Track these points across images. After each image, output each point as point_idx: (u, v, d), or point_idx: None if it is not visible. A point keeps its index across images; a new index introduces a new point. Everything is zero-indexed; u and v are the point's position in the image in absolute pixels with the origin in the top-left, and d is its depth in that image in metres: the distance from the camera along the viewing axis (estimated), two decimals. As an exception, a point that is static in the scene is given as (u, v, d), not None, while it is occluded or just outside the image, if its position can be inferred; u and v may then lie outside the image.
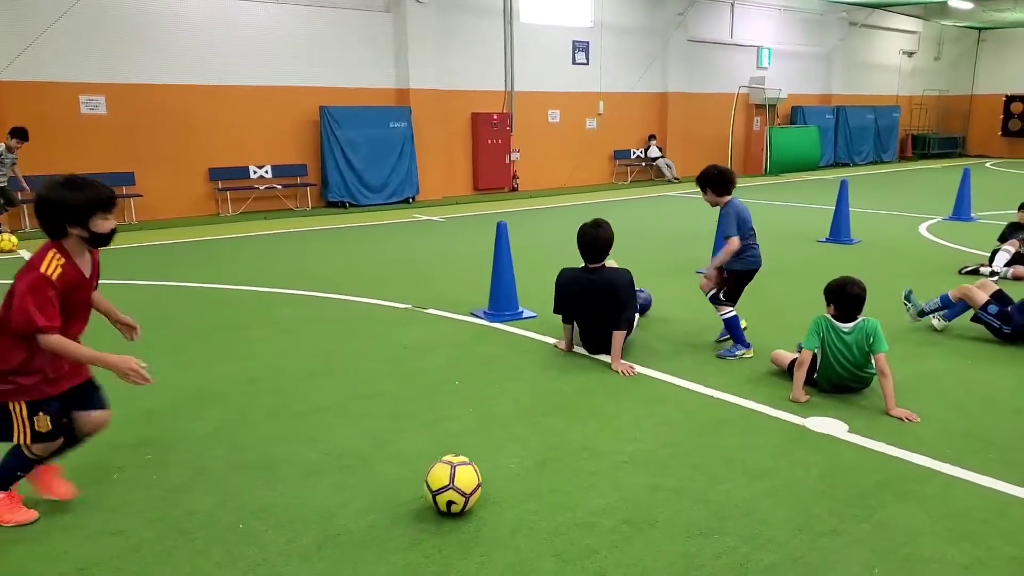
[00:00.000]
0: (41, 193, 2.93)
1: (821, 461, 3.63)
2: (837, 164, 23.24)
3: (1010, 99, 27.00)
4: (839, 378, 4.42)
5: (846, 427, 4.01)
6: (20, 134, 10.20)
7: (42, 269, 2.86)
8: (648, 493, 3.34)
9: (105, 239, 2.99)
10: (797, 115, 22.33)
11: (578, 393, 4.57)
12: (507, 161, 16.60)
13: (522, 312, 6.17)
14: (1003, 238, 7.83)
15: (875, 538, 2.96)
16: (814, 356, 4.46)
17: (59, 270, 2.88)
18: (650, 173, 19.37)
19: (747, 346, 5.18)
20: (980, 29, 27.75)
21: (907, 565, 2.78)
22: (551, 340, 5.53)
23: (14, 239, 9.79)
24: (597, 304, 5.01)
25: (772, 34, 21.75)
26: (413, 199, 14.99)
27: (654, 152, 19.18)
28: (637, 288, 5.26)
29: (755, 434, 3.96)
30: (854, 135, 23.58)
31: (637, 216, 12.57)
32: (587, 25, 17.69)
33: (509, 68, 16.51)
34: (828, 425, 4.04)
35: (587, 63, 17.87)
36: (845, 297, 4.37)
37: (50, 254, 2.90)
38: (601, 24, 17.87)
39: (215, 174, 13.12)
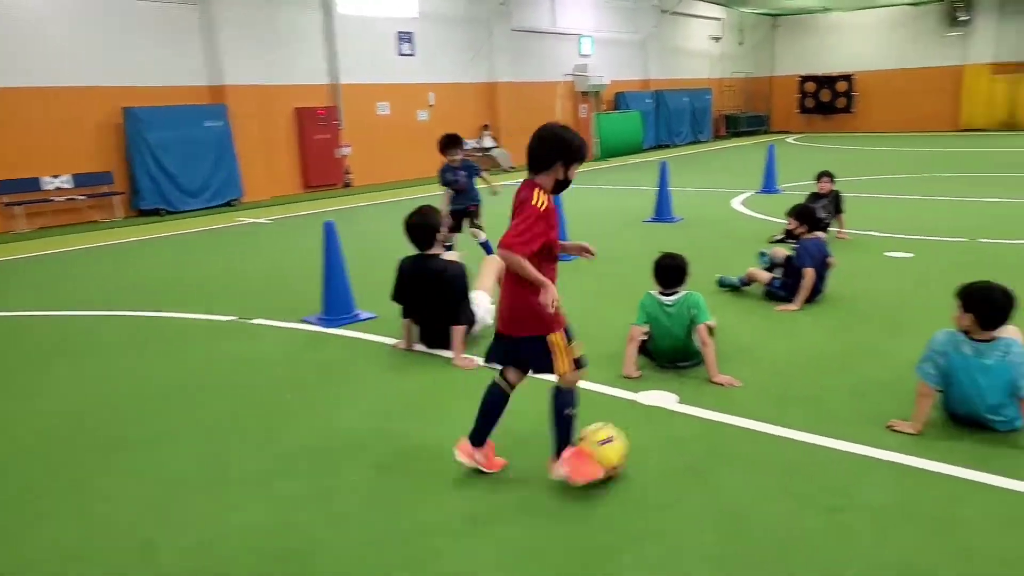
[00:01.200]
0: (548, 127, 3.14)
1: (654, 434, 3.75)
2: (659, 146, 24.53)
3: (804, 79, 29.68)
4: (670, 352, 4.60)
5: (676, 398, 4.18)
6: None
7: (533, 202, 3.02)
8: (492, 488, 3.30)
9: (566, 186, 3.18)
10: (620, 101, 23.31)
11: (422, 393, 4.47)
12: (337, 156, 16.10)
13: (359, 314, 5.96)
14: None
15: (708, 504, 3.08)
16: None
17: (546, 204, 3.06)
18: (486, 163, 19.50)
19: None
20: (775, 16, 30.24)
21: (737, 525, 2.91)
22: (391, 341, 5.38)
23: None
24: (430, 294, 4.97)
25: (592, 22, 22.53)
26: (237, 201, 14.18)
27: (488, 142, 19.34)
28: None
29: (592, 414, 4.02)
30: (673, 117, 24.97)
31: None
32: (411, 15, 17.47)
33: (332, 61, 15.99)
34: (659, 398, 4.19)
35: (413, 54, 17.68)
36: (659, 269, 4.60)
37: (536, 191, 3.06)
38: (425, 14, 17.72)
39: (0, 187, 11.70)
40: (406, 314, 5.13)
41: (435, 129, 18.28)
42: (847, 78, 28.72)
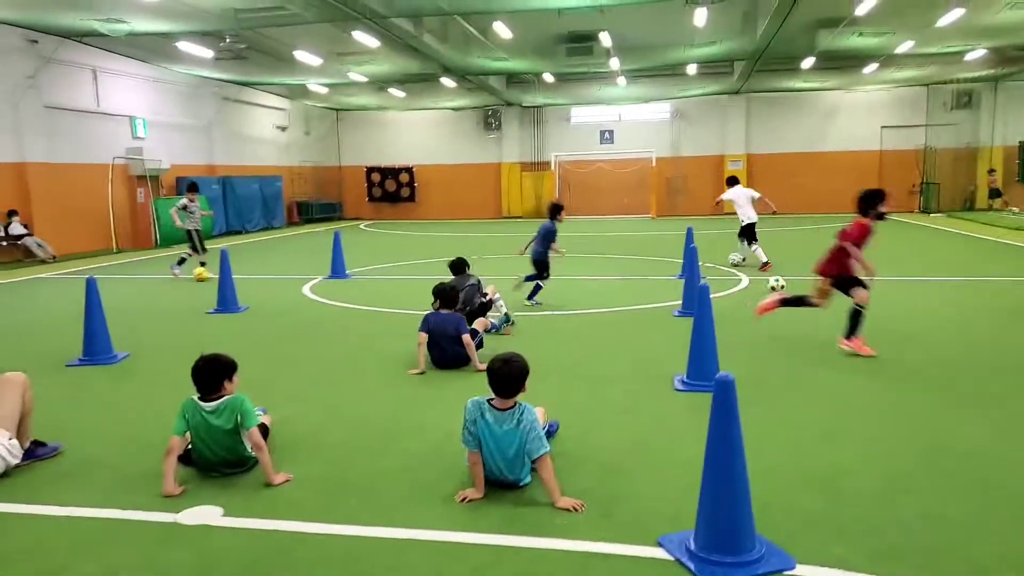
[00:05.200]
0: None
1: (191, 559, 3.31)
2: (230, 232, 23.66)
3: (370, 170, 31.68)
4: (218, 461, 4.18)
5: (221, 511, 3.79)
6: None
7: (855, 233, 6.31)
8: None
9: (882, 217, 6.42)
10: (183, 186, 21.95)
11: None
12: None
13: None
14: None
15: (243, 632, 2.77)
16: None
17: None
18: (17, 253, 16.56)
19: None
20: (337, 110, 31.90)
21: (273, 651, 2.65)
22: None
23: None
24: None
25: (146, 105, 20.97)
26: None
27: (18, 229, 16.48)
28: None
29: (114, 549, 3.42)
30: (243, 203, 24.34)
31: (3, 305, 10.46)
32: None
33: None
34: (202, 514, 3.75)
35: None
36: (193, 373, 4.20)
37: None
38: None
39: None
40: None
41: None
42: (408, 170, 31.45)
